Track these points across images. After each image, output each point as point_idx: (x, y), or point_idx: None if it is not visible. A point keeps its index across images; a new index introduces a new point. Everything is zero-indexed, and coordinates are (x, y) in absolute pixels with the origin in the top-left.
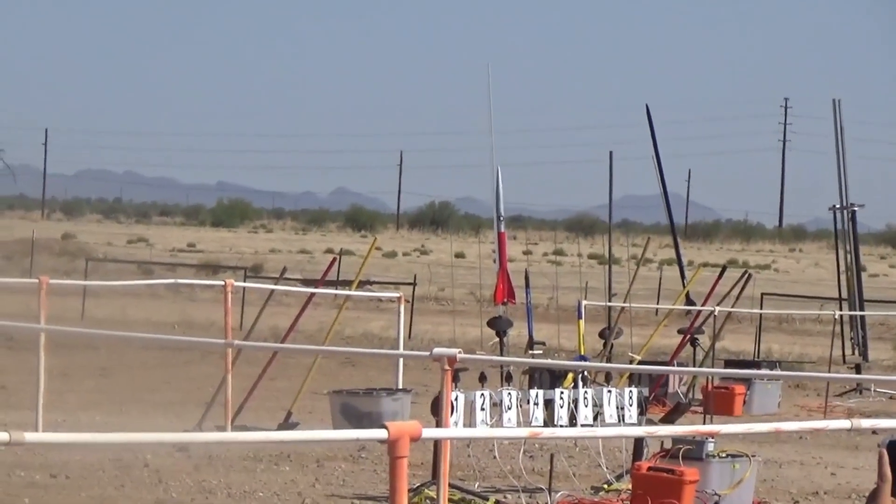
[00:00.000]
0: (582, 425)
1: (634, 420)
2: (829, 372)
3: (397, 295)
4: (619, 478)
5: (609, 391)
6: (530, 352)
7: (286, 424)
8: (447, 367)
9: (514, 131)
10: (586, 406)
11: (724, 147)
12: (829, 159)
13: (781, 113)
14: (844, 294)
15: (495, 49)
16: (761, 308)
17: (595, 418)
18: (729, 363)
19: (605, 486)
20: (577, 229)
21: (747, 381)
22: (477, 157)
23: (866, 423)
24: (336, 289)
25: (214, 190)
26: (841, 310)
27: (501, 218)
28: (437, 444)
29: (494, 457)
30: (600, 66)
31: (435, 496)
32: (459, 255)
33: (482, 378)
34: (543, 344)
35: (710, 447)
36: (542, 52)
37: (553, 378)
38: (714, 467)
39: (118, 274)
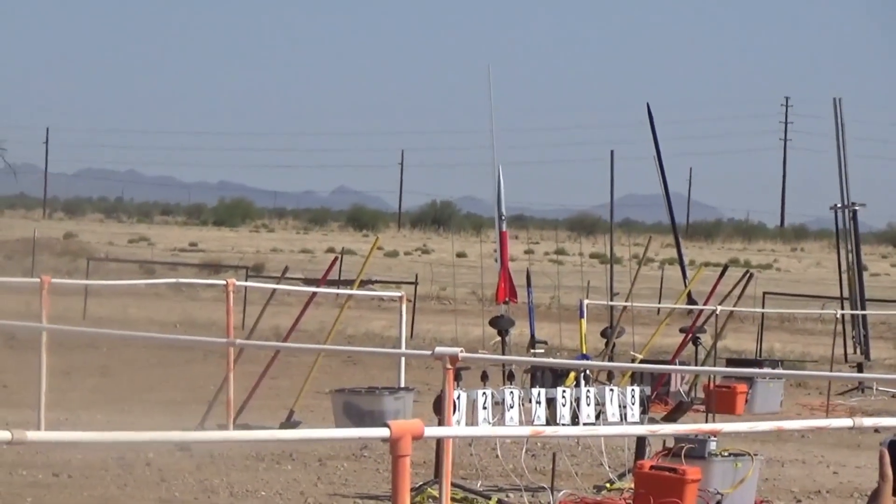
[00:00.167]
0: (584, 424)
1: (637, 419)
2: (831, 371)
3: (399, 294)
4: (621, 477)
5: (611, 390)
6: (532, 351)
7: (288, 423)
8: (449, 365)
9: (516, 130)
10: (588, 405)
11: (726, 146)
12: (831, 158)
13: (782, 112)
14: (846, 293)
15: (497, 48)
16: (763, 307)
17: (597, 417)
18: (731, 362)
19: (608, 484)
20: (579, 228)
21: (749, 380)
22: (478, 156)
23: (868, 421)
24: (338, 288)
25: (216, 189)
26: (842, 309)
27: (503, 217)
28: (439, 442)
29: (497, 456)
30: (602, 65)
31: (437, 495)
32: (461, 255)
33: (484, 377)
34: (545, 343)
35: (713, 446)
36: (544, 51)
37: (555, 377)
38: (716, 466)
39: (120, 273)
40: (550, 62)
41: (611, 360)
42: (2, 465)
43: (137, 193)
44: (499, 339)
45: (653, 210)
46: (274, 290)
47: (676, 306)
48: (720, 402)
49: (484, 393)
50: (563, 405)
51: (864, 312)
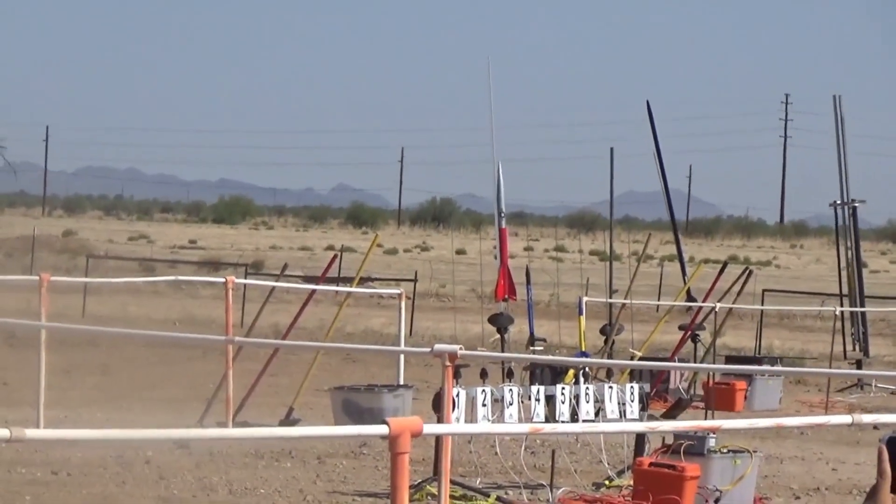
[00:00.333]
0: (583, 421)
1: (636, 416)
2: (830, 368)
3: (398, 291)
4: (620, 474)
5: (610, 387)
6: (531, 348)
7: (287, 421)
8: (448, 363)
9: (516, 127)
10: (588, 402)
11: (726, 143)
12: (830, 155)
13: (782, 109)
14: (845, 290)
15: (497, 45)
16: (762, 304)
17: (596, 414)
18: (730, 359)
19: (607, 481)
20: (579, 226)
21: (748, 377)
22: (478, 153)
23: (867, 418)
24: (337, 285)
25: (216, 187)
26: (842, 306)
27: (502, 214)
28: (438, 440)
29: (496, 453)
30: (601, 62)
31: (436, 492)
32: (460, 252)
33: (483, 374)
34: (544, 340)
35: (712, 443)
36: (544, 49)
37: (554, 374)
38: (715, 463)
39: (119, 271)
40: (550, 59)
41: (610, 357)
42: (1, 463)
43: (137, 191)
44: (498, 336)
45: (652, 207)
46: (273, 287)
47: (676, 303)
48: (719, 399)
49: (483, 390)
50: (563, 402)
51: (863, 309)
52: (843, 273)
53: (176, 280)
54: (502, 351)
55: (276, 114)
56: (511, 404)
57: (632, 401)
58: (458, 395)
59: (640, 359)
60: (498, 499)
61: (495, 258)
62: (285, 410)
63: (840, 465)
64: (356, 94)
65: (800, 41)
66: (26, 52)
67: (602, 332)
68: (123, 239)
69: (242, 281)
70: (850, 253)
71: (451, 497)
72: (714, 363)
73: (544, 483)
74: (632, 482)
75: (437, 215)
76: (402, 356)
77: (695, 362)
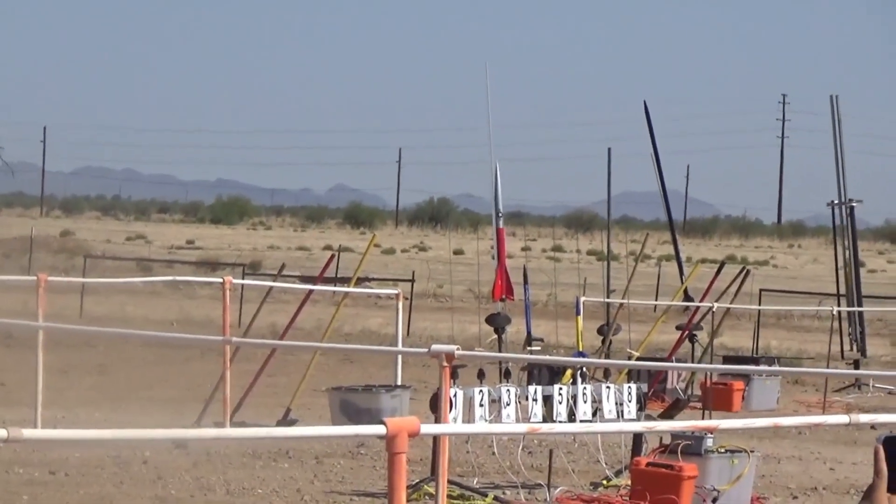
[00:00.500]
0: (581, 421)
1: (633, 416)
2: (828, 368)
3: (396, 292)
4: (617, 473)
5: (608, 387)
6: (529, 348)
7: (285, 421)
8: (446, 363)
9: (513, 127)
10: (585, 402)
11: (723, 143)
12: (828, 155)
13: (780, 109)
14: (843, 290)
15: (494, 45)
16: (760, 304)
17: (594, 414)
18: (727, 359)
19: (604, 481)
20: (576, 225)
21: (746, 377)
22: (476, 153)
23: (864, 418)
24: (335, 286)
25: (213, 187)
26: (839, 306)
27: (500, 214)
28: (435, 440)
29: (493, 453)
30: (599, 62)
31: (434, 492)
32: (458, 252)
33: (481, 374)
34: (542, 340)
35: (709, 443)
36: (541, 49)
37: (552, 374)
38: (713, 463)
39: (117, 271)
40: (547, 59)
41: (607, 357)
42: None
43: (135, 191)
44: (495, 336)
45: (650, 207)
46: (271, 287)
47: (673, 303)
48: (717, 399)
49: (480, 390)
50: (560, 402)
51: (860, 309)
52: (841, 273)
53: (173, 280)
54: (500, 351)
55: (274, 114)
56: (508, 404)
57: (629, 401)
58: (455, 396)
59: (638, 359)
60: (495, 498)
61: (493, 258)
62: (283, 411)
63: (837, 464)
64: (354, 95)
65: (797, 41)
66: (24, 52)
67: (599, 331)
68: (121, 239)
69: (240, 281)
70: (847, 253)
71: (449, 497)
72: (711, 363)
73: (542, 483)
74: (629, 482)
75: (435, 215)
76: (399, 356)
77: (692, 362)
